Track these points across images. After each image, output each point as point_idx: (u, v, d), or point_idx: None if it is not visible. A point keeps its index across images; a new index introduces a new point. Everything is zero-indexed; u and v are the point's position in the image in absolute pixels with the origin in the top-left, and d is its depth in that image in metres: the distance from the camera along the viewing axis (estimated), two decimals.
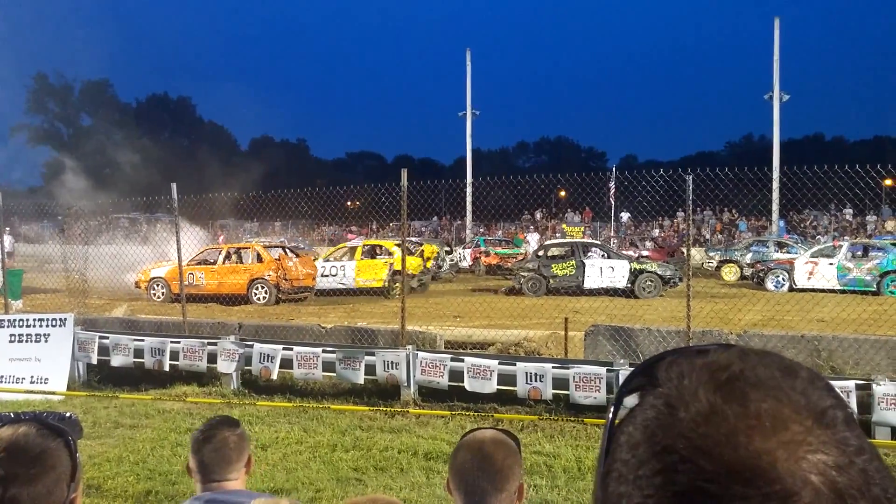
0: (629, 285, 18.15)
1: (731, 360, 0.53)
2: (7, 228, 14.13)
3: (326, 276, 19.16)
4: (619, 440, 0.54)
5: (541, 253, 20.09)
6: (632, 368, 0.59)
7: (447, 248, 26.22)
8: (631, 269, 18.45)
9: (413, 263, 19.23)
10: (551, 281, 18.86)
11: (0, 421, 1.45)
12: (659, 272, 18.38)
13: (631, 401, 0.57)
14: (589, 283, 18.49)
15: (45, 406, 8.23)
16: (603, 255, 19.29)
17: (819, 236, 30.95)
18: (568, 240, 23.06)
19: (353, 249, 19.99)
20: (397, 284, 18.60)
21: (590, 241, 22.83)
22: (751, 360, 0.53)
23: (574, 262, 18.95)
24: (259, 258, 18.00)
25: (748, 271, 22.21)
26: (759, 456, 0.47)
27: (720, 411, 0.49)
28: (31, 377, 9.08)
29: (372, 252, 19.89)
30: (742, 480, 0.46)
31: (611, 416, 0.57)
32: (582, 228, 28.31)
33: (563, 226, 28.60)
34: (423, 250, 20.69)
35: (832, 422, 0.49)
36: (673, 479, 0.48)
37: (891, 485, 0.48)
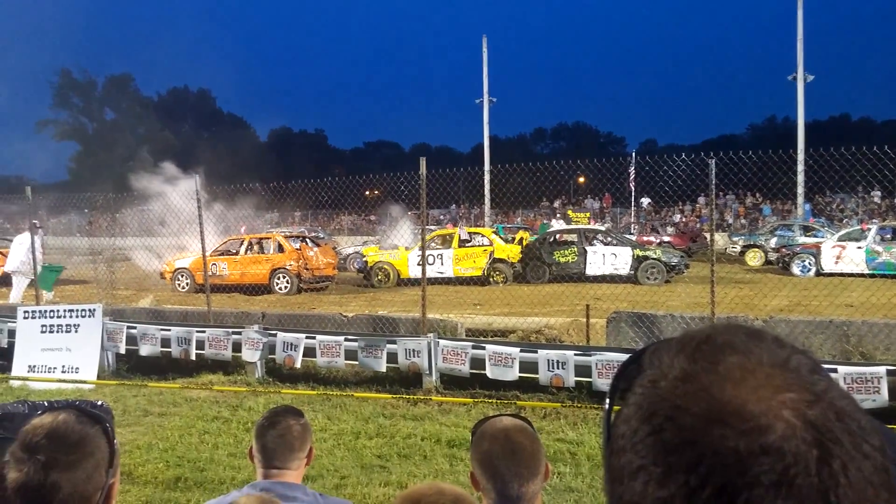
0: (632, 272, 17.95)
1: (702, 330, 0.58)
2: (36, 222, 14.37)
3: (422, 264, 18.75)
4: (617, 427, 0.58)
5: (545, 239, 19.95)
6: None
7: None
8: (634, 255, 18.19)
9: (513, 251, 19.18)
10: (553, 268, 18.71)
11: (37, 409, 1.48)
12: (663, 259, 18.10)
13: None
14: (591, 270, 18.28)
15: (77, 395, 8.40)
16: (607, 242, 19.05)
17: (846, 219, 30.46)
18: (573, 226, 22.66)
19: (448, 237, 19.62)
20: (498, 273, 18.60)
21: (594, 227, 22.47)
22: (719, 328, 0.58)
23: (576, 248, 18.79)
24: (280, 248, 18.14)
25: (773, 256, 21.94)
26: (730, 401, 0.51)
27: (692, 372, 0.54)
28: (63, 367, 9.26)
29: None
30: (718, 423, 0.50)
31: (607, 407, 0.61)
32: (587, 214, 27.90)
33: (569, 212, 28.22)
34: (522, 237, 20.54)
35: (797, 367, 0.53)
36: (661, 437, 0.52)
37: (863, 417, 0.52)
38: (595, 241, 19.08)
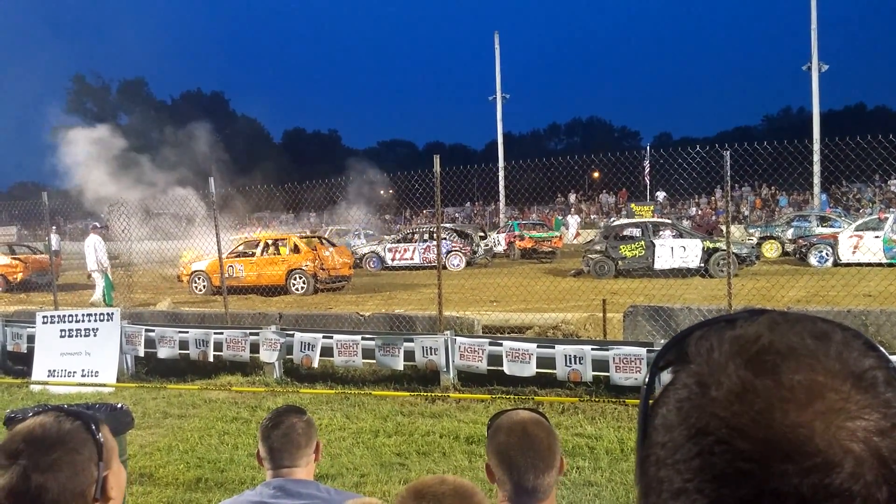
0: (702, 265, 17.46)
1: (761, 332, 0.51)
2: (53, 227, 14.58)
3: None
4: (654, 422, 0.53)
5: (609, 234, 19.42)
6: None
7: (481, 234, 26.17)
8: (704, 247, 17.71)
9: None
10: (620, 263, 18.37)
11: (23, 414, 1.48)
12: (734, 250, 17.63)
13: (665, 377, 0.55)
14: (660, 264, 17.83)
15: (97, 398, 8.49)
16: (674, 235, 18.55)
17: (863, 209, 30.11)
18: (637, 219, 21.87)
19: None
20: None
21: (661, 219, 21.70)
22: (781, 329, 0.51)
23: (643, 242, 18.34)
24: (296, 249, 18.20)
25: (790, 247, 21.74)
26: (795, 430, 0.45)
27: (752, 388, 0.48)
28: (83, 370, 9.35)
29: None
30: (780, 457, 0.45)
31: (644, 394, 0.56)
32: (651, 207, 27.22)
33: (633, 205, 27.48)
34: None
35: (872, 384, 0.47)
36: (711, 461, 0.47)
37: None
38: (662, 234, 18.65)
